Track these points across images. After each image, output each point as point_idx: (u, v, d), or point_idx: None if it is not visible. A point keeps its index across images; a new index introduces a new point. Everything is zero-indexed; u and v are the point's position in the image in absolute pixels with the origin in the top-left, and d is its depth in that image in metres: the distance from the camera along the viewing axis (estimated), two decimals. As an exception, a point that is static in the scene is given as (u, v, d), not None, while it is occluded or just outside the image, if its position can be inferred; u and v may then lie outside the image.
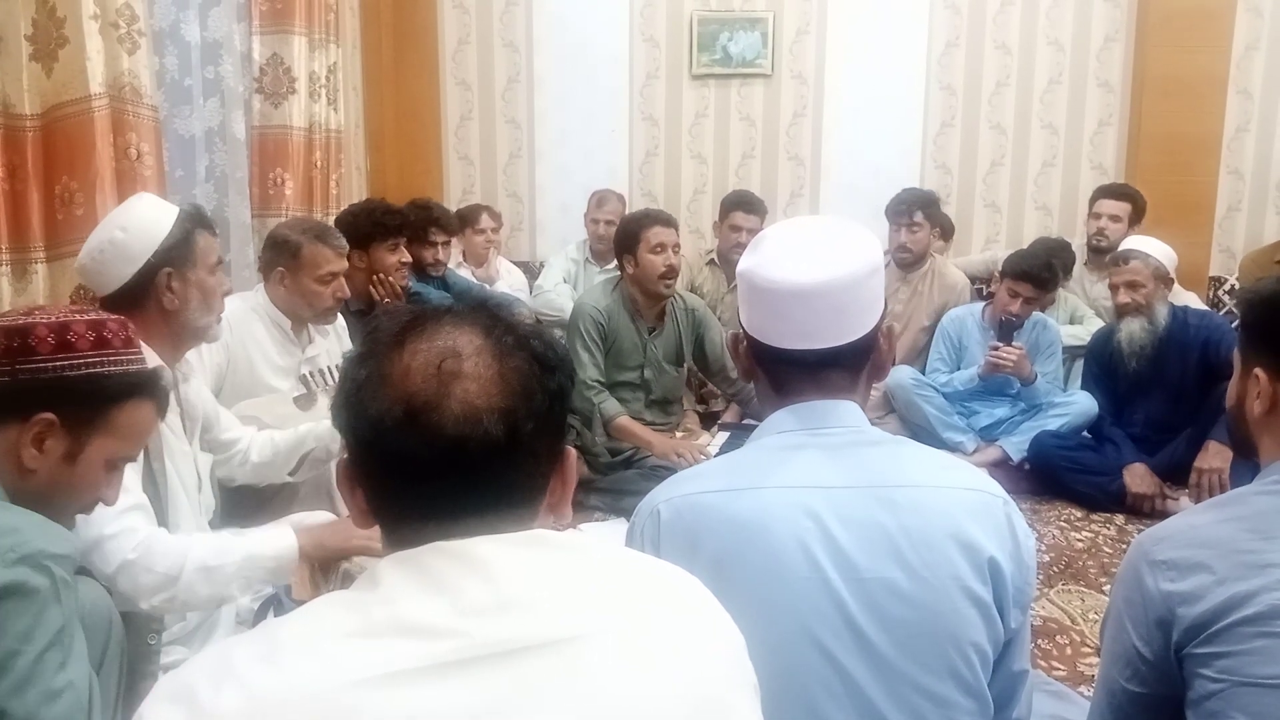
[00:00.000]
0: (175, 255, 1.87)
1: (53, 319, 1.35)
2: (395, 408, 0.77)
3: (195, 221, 1.93)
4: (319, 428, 2.28)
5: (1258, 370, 1.19)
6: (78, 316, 1.38)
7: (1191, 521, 1.16)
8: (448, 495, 0.78)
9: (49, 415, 1.30)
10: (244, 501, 2.23)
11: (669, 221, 3.48)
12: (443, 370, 0.78)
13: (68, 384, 1.32)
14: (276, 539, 1.75)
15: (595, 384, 3.40)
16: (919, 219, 4.11)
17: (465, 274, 4.49)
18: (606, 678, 0.74)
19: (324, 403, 2.60)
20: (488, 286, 4.44)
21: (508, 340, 0.81)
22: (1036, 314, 3.88)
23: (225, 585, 1.68)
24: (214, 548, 1.67)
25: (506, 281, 4.72)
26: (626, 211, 4.77)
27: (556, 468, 0.86)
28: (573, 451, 0.88)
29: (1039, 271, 3.70)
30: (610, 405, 3.39)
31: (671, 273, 3.42)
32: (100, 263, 1.85)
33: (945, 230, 4.73)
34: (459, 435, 0.76)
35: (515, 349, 0.81)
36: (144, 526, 1.62)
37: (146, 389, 1.43)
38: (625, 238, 3.47)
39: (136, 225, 1.86)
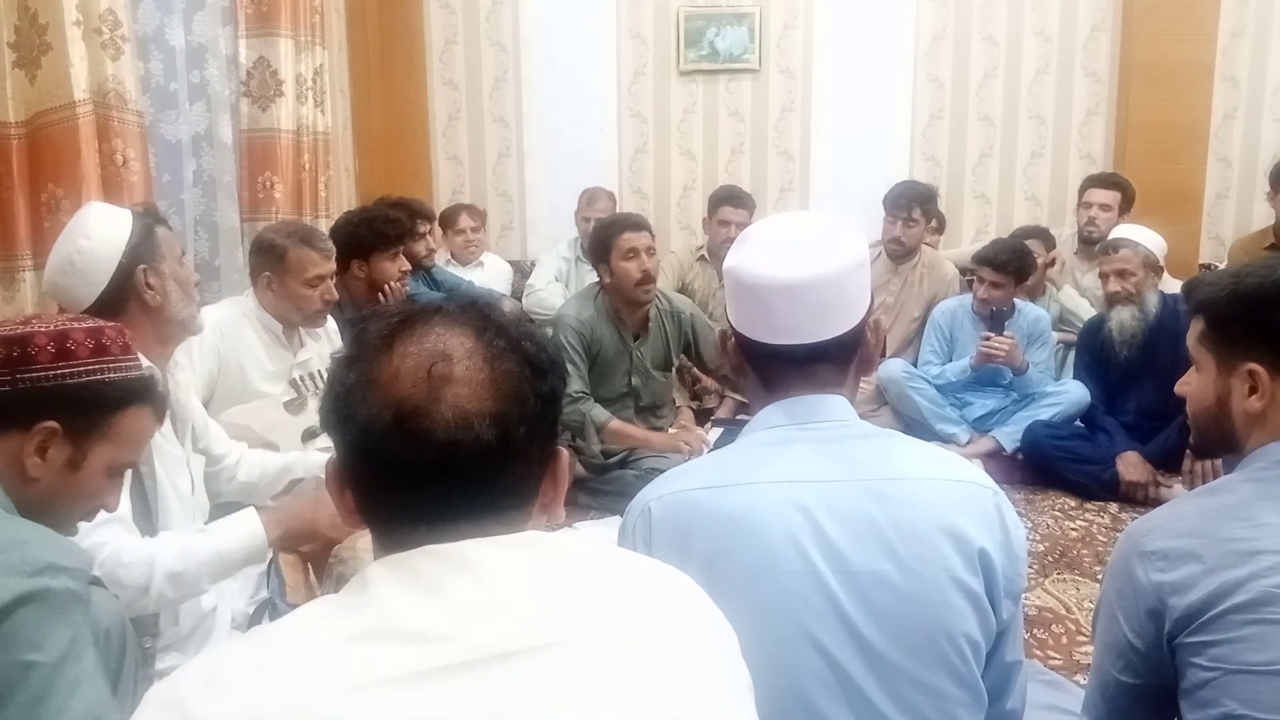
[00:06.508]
0: (144, 251, 1.86)
1: (51, 327, 1.34)
2: (384, 413, 0.76)
3: (151, 218, 1.94)
4: (309, 458, 2.27)
5: (1253, 366, 1.17)
6: (75, 325, 1.37)
7: (1179, 511, 1.17)
8: (439, 500, 0.78)
9: (52, 424, 1.29)
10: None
11: (639, 225, 3.30)
12: (433, 374, 0.77)
13: (68, 392, 1.32)
14: (241, 528, 1.74)
15: (580, 395, 3.29)
16: (916, 215, 4.12)
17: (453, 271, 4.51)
18: (600, 679, 0.74)
19: (314, 406, 2.60)
20: (475, 283, 4.44)
21: (499, 343, 0.80)
22: (1028, 304, 3.89)
23: (195, 585, 1.68)
24: (180, 551, 1.65)
25: (491, 271, 4.73)
26: (618, 209, 4.78)
27: (548, 469, 0.85)
28: (564, 452, 0.87)
29: (994, 255, 3.75)
30: (599, 412, 3.32)
31: (648, 279, 3.27)
32: (72, 276, 1.82)
33: (940, 223, 4.75)
34: (450, 440, 0.76)
35: (507, 351, 0.80)
36: (112, 540, 1.60)
37: (145, 395, 1.43)
38: (598, 247, 3.33)
39: (99, 231, 1.85)
